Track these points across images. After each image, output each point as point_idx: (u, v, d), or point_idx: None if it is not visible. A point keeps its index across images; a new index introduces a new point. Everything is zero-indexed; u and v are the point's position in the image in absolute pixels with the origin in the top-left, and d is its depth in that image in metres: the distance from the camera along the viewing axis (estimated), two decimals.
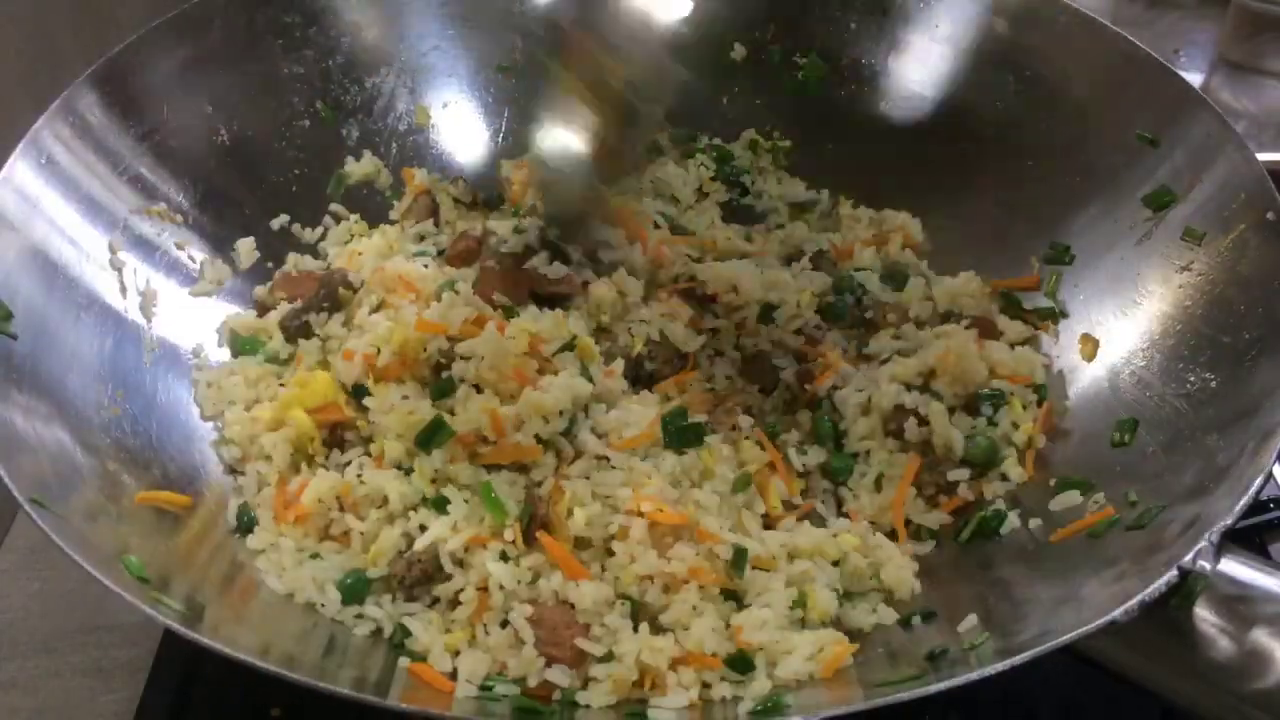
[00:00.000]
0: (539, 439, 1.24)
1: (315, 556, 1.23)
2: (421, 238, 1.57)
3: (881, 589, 1.25)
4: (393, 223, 1.62)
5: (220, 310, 1.47)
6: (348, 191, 1.63)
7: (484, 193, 1.65)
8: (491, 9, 1.70)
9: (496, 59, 1.71)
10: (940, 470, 1.33)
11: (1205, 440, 1.23)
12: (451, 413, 1.26)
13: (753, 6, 1.72)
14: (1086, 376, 1.41)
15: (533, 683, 1.11)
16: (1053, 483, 1.32)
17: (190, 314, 1.44)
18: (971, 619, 1.15)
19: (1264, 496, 1.45)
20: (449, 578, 1.19)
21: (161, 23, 1.49)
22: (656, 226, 1.53)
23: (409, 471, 1.25)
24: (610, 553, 1.18)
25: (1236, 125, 1.40)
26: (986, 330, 1.45)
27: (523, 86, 1.70)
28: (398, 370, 1.31)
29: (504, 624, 1.16)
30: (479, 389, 1.27)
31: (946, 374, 1.36)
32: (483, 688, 1.12)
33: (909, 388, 1.35)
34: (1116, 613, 1.02)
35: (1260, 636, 1.04)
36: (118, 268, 1.38)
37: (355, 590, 1.19)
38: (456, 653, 1.15)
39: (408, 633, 1.17)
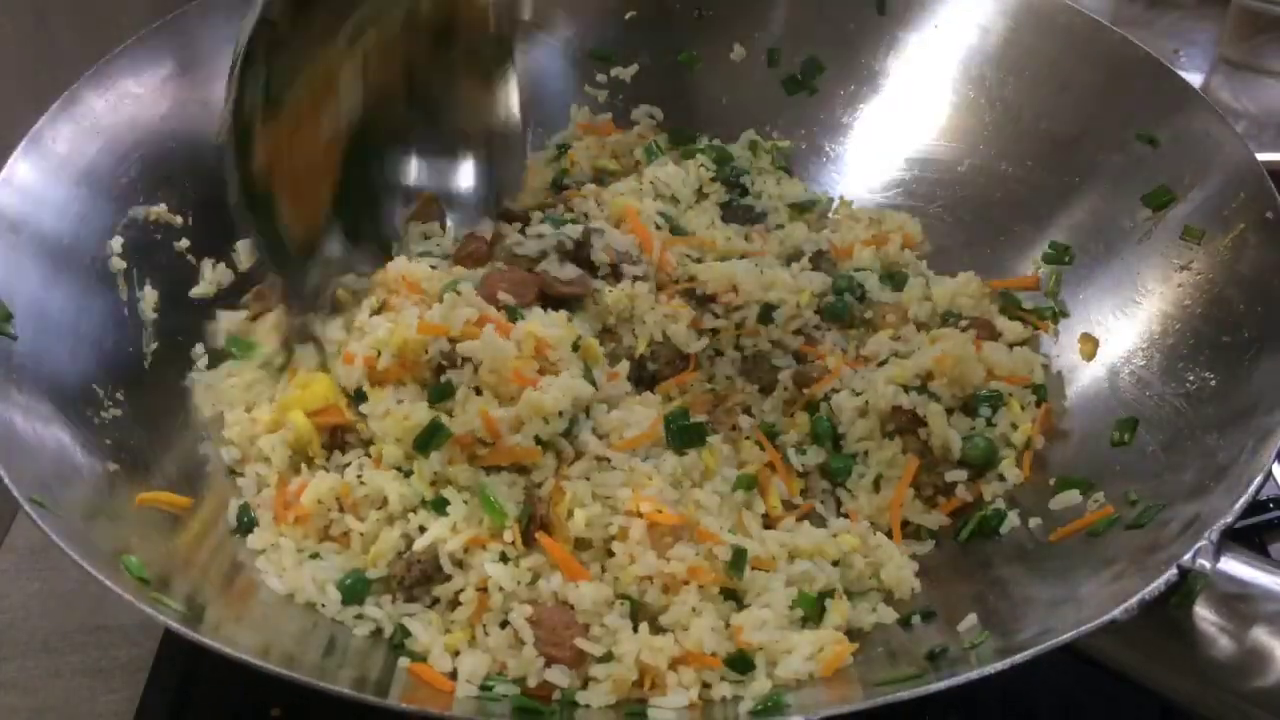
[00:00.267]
0: (539, 440, 1.24)
1: (315, 556, 1.23)
2: (426, 237, 1.56)
3: (881, 588, 1.25)
4: None
5: (220, 310, 1.47)
6: None
7: None
8: None
9: None
10: (938, 471, 1.33)
11: (1205, 439, 1.23)
12: (450, 414, 1.26)
13: (753, 6, 1.72)
14: (1086, 376, 1.41)
15: (532, 683, 1.11)
16: (1052, 482, 1.32)
17: (190, 314, 1.44)
18: (971, 618, 1.15)
19: (1264, 496, 1.45)
20: (448, 578, 1.19)
21: (162, 23, 1.49)
22: (657, 227, 1.53)
23: (409, 474, 1.25)
24: (610, 553, 1.18)
25: (1236, 125, 1.41)
26: (985, 331, 1.45)
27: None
28: (398, 373, 1.31)
29: (503, 624, 1.16)
30: (479, 391, 1.27)
31: (944, 376, 1.35)
32: (483, 688, 1.11)
33: (906, 389, 1.35)
34: (1116, 612, 1.02)
35: (1260, 635, 1.04)
36: (118, 268, 1.38)
37: (355, 590, 1.19)
38: (456, 653, 1.15)
39: (407, 633, 1.17)
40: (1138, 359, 1.37)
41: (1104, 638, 1.04)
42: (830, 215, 1.67)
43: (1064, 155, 1.53)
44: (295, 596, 1.20)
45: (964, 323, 1.46)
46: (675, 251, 1.48)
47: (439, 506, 1.22)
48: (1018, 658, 1.00)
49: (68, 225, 1.35)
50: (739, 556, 1.18)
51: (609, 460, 1.24)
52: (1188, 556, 1.06)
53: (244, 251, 1.51)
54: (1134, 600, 1.03)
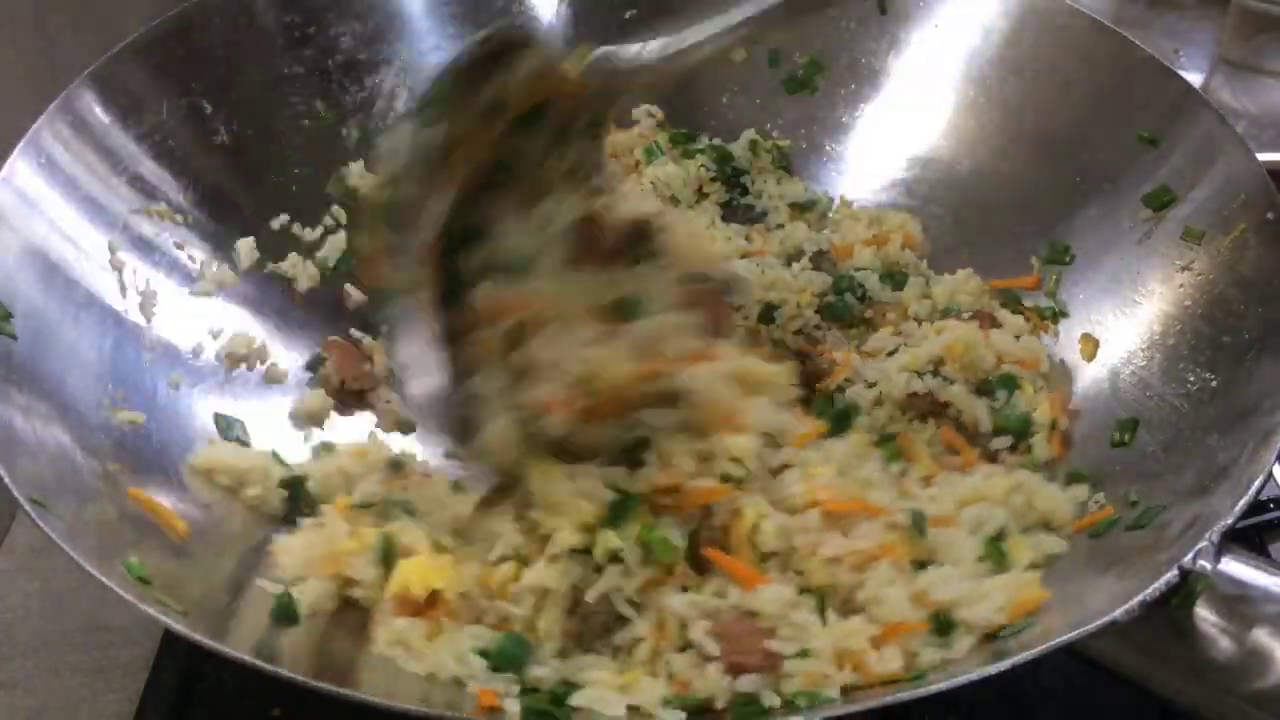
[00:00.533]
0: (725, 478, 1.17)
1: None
2: None
3: (1040, 522, 1.24)
4: None
5: (220, 310, 1.46)
6: (348, 191, 1.63)
7: None
8: (491, 9, 1.70)
9: None
10: (980, 443, 1.34)
11: (1205, 440, 1.23)
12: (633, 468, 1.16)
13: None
14: (1086, 376, 1.41)
15: (721, 702, 1.05)
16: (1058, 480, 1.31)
17: (190, 314, 1.44)
18: None
19: (1264, 496, 1.45)
20: (628, 623, 1.11)
21: (161, 22, 1.49)
22: None
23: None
24: (793, 548, 1.15)
25: (1236, 125, 1.41)
26: (988, 322, 1.45)
27: None
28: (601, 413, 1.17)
29: (682, 649, 1.10)
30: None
31: (955, 361, 1.36)
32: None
33: (920, 375, 1.35)
34: (1117, 613, 1.02)
35: (1261, 636, 1.04)
36: (118, 268, 1.38)
37: (509, 655, 1.06)
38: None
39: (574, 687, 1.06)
40: (1138, 359, 1.37)
41: (1104, 638, 1.03)
42: (830, 215, 1.66)
43: (1064, 155, 1.52)
44: (438, 675, 1.08)
45: (966, 315, 1.46)
46: None
47: (613, 558, 1.12)
48: (1018, 658, 1.00)
49: (67, 225, 1.34)
50: (919, 520, 1.17)
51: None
52: (1188, 557, 1.05)
53: (244, 251, 1.51)
54: (1135, 601, 1.02)
